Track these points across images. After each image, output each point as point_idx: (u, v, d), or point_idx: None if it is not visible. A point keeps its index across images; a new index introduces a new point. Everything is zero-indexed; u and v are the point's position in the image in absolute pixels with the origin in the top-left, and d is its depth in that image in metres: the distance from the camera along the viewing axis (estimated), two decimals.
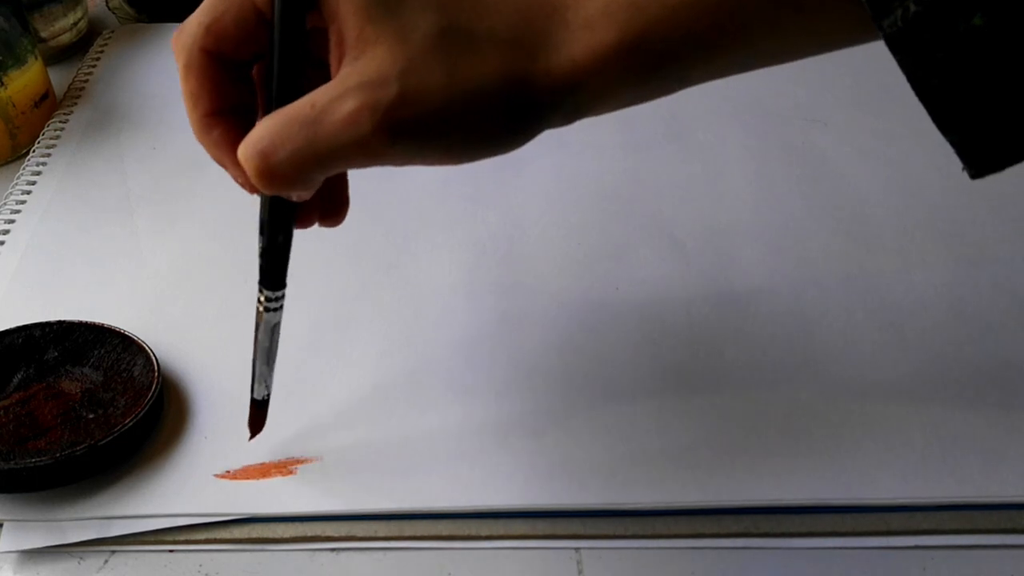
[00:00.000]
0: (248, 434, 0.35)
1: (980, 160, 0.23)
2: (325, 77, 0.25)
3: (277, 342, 0.32)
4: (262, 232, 0.29)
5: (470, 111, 0.24)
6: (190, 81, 0.27)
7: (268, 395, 0.34)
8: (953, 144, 0.23)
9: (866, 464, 0.34)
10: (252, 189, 0.28)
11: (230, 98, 0.28)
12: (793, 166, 0.50)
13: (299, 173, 0.25)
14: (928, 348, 0.39)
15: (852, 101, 0.55)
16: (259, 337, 0.32)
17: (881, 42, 0.22)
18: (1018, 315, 0.40)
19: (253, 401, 0.34)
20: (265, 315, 0.31)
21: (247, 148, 0.25)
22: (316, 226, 0.31)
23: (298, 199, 0.27)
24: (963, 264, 0.43)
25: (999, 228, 0.45)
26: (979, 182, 0.24)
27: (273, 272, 0.30)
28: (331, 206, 0.31)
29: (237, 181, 0.29)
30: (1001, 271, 0.43)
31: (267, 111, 0.26)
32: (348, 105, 0.24)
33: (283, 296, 0.31)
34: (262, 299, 0.31)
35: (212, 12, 0.26)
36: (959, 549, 0.32)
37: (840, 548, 0.33)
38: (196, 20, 0.27)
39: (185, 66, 0.27)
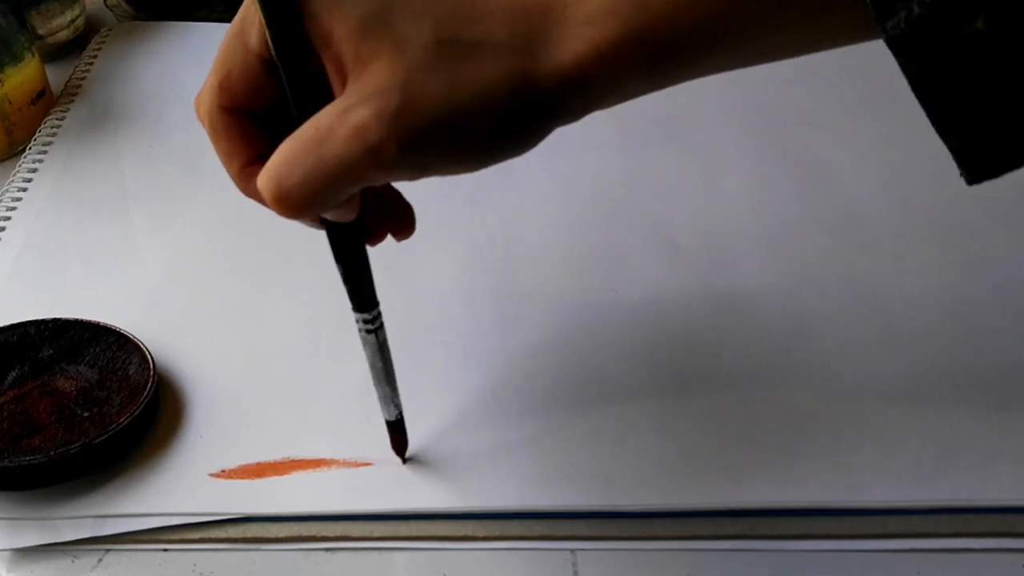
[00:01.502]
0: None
1: (977, 166, 0.23)
2: None
3: (390, 359, 0.32)
4: (337, 260, 0.29)
5: (476, 116, 0.24)
6: (219, 142, 0.27)
7: (400, 414, 0.34)
8: (951, 149, 0.23)
9: (862, 467, 0.34)
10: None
11: (262, 146, 0.27)
12: (791, 169, 0.50)
13: (312, 195, 0.25)
14: (924, 351, 0.39)
15: (850, 104, 0.55)
16: (370, 359, 0.32)
17: (880, 45, 0.22)
18: (1014, 318, 0.40)
19: (388, 424, 0.34)
20: (367, 336, 0.31)
21: (262, 179, 0.25)
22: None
23: (337, 219, 0.27)
24: (959, 267, 0.43)
25: (996, 231, 0.45)
26: (977, 186, 0.24)
27: (360, 295, 0.30)
28: (396, 217, 0.31)
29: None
30: (997, 274, 0.43)
31: None
32: (354, 118, 0.23)
33: (379, 314, 0.31)
34: (360, 323, 0.31)
35: (220, 70, 0.26)
36: (954, 552, 0.32)
37: (836, 551, 0.33)
38: (208, 82, 0.27)
39: (211, 128, 0.27)
